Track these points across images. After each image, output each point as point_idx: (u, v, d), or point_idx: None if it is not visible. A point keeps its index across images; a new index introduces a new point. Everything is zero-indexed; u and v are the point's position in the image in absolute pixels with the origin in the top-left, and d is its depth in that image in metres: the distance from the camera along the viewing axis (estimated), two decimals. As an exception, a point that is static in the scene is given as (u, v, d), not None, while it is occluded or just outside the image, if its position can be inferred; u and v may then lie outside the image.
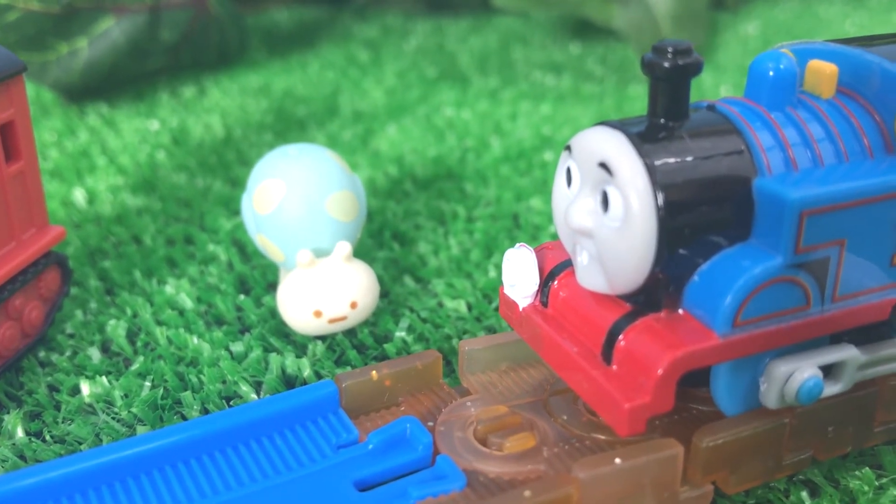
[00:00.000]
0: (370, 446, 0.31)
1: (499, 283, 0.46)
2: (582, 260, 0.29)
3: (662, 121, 0.29)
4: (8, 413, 0.37)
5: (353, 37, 0.90)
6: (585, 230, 0.28)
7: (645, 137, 0.28)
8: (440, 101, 0.72)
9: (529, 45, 0.87)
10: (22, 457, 0.35)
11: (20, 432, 0.36)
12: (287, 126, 0.67)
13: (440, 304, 0.44)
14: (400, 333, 0.42)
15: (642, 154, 0.27)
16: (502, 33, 0.91)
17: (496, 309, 0.44)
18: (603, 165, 0.28)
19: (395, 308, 0.44)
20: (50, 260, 0.41)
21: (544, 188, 0.56)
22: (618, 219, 0.27)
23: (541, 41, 0.88)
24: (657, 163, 0.27)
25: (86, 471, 0.30)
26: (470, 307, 0.44)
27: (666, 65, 0.28)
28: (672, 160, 0.28)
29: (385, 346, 0.41)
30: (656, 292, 0.29)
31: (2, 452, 0.35)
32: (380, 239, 0.50)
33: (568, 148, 0.29)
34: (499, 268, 0.47)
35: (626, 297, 0.29)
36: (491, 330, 0.42)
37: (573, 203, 0.29)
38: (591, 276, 0.29)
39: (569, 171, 0.29)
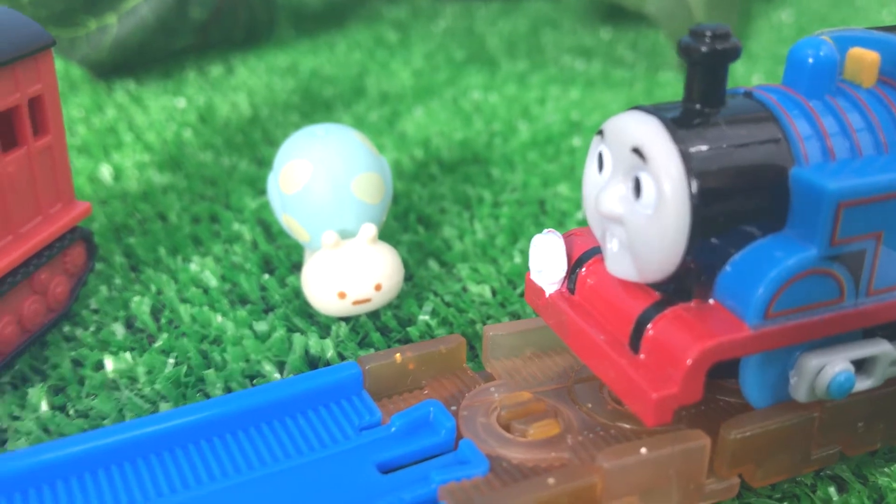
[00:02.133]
0: (393, 429, 0.31)
1: (524, 269, 0.45)
2: (612, 247, 0.29)
3: (698, 107, 0.28)
4: (32, 387, 0.37)
5: (381, 17, 0.89)
6: (616, 216, 0.28)
7: (680, 123, 0.27)
8: (468, 85, 0.71)
9: (559, 29, 0.86)
10: (46, 430, 0.35)
11: (44, 406, 0.36)
12: (313, 107, 0.67)
13: (464, 289, 0.44)
14: (424, 317, 0.41)
15: (677, 140, 0.27)
16: (532, 17, 0.90)
17: (521, 295, 0.43)
18: (636, 151, 0.27)
19: (419, 291, 0.44)
20: (76, 235, 0.41)
21: (572, 174, 0.55)
22: (650, 206, 0.27)
23: (571, 26, 0.87)
24: (692, 149, 0.27)
25: (108, 446, 0.30)
26: (494, 292, 0.44)
27: (703, 49, 0.27)
28: (707, 147, 0.27)
29: (408, 329, 0.41)
30: (687, 281, 0.28)
31: (26, 426, 0.35)
32: (405, 222, 0.50)
33: (600, 132, 0.29)
34: (524, 254, 0.47)
35: (656, 286, 0.29)
36: (515, 316, 0.42)
37: (604, 189, 0.28)
38: (620, 263, 0.29)
39: (600, 156, 0.29)
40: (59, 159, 0.39)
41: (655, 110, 0.28)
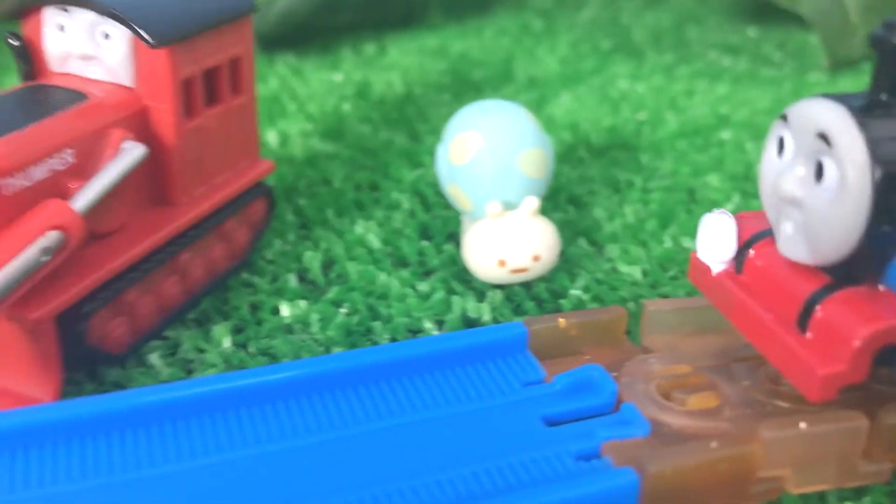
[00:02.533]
0: (557, 387, 0.32)
1: (675, 253, 0.47)
2: (786, 229, 0.30)
3: (884, 97, 0.29)
4: (216, 325, 0.40)
5: (527, 5, 0.91)
6: (795, 199, 0.29)
7: (866, 112, 0.28)
8: (614, 74, 0.72)
9: (705, 25, 0.86)
10: (229, 364, 0.38)
11: (227, 342, 0.39)
12: (463, 88, 0.69)
13: (614, 269, 0.45)
14: (575, 292, 0.43)
15: (863, 127, 0.28)
16: (677, 12, 0.90)
17: (672, 278, 0.45)
18: (822, 136, 0.28)
19: (570, 268, 0.45)
20: (259, 190, 0.44)
21: (721, 166, 0.56)
22: (830, 190, 0.28)
23: (717, 22, 0.87)
24: (877, 137, 0.28)
25: (284, 380, 0.33)
26: (645, 274, 0.45)
27: (894, 41, 0.28)
28: (892, 136, 0.28)
29: (560, 301, 0.42)
30: (859, 266, 0.29)
31: (211, 358, 0.38)
32: (555, 201, 0.52)
33: (783, 117, 0.30)
34: (675, 239, 0.48)
35: (827, 270, 0.30)
36: (666, 297, 0.43)
37: (785, 171, 0.29)
38: (794, 245, 0.30)
39: (781, 140, 0.30)
40: (249, 118, 0.43)
41: (842, 98, 0.29)
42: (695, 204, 0.51)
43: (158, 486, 0.29)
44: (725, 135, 0.60)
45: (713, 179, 0.54)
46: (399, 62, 0.74)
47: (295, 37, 0.75)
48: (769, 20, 0.87)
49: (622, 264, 0.45)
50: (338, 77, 0.70)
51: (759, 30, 0.85)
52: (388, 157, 0.57)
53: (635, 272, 0.45)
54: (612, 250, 0.47)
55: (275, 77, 0.70)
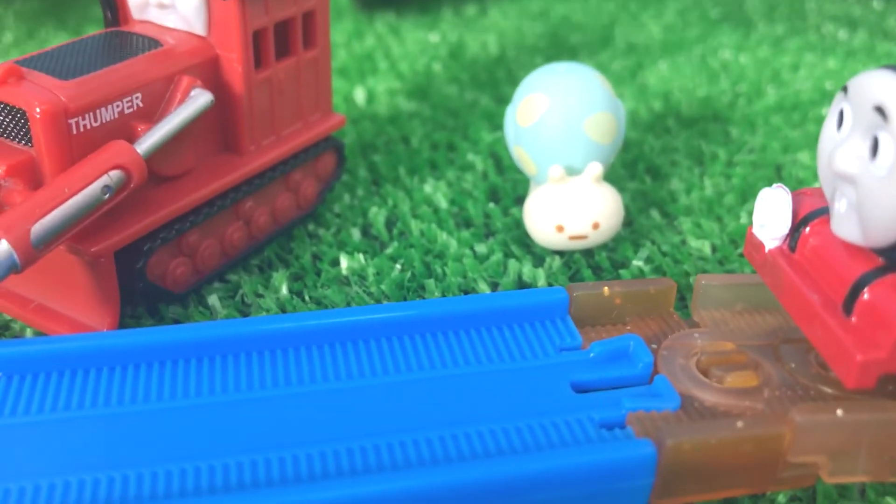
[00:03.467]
0: (591, 354, 0.32)
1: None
2: (839, 207, 0.28)
3: (954, 70, 0.27)
4: (276, 272, 0.41)
5: (639, -29, 0.89)
6: (848, 175, 0.27)
7: (931, 85, 0.26)
8: (719, 43, 0.69)
9: (826, -5, 0.82)
10: (283, 310, 0.39)
11: (284, 289, 0.40)
12: (559, 51, 0.68)
13: (683, 242, 0.44)
14: (637, 262, 0.42)
15: (924, 102, 0.26)
16: (798, -19, 0.86)
17: (741, 255, 0.43)
18: (878, 109, 0.26)
19: (637, 238, 0.44)
20: (329, 144, 0.45)
21: (815, 143, 0.53)
22: (885, 167, 0.26)
23: (840, -7, 0.83)
24: (940, 113, 0.26)
25: (335, 325, 0.33)
26: (714, 249, 0.44)
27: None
28: (958, 113, 0.26)
29: (620, 271, 0.42)
30: (914, 250, 0.27)
31: (267, 303, 0.39)
32: (633, 170, 0.51)
33: (844, 89, 0.28)
34: (751, 215, 0.46)
35: (880, 252, 0.28)
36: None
37: (840, 146, 0.28)
38: (846, 224, 0.28)
39: (841, 113, 0.28)
40: (322, 72, 0.43)
41: (906, 70, 0.27)
42: (780, 180, 0.49)
43: (199, 414, 0.30)
44: (827, 111, 0.57)
45: (804, 156, 0.51)
46: (498, 24, 0.74)
47: (396, -4, 0.75)
48: (899, -8, 0.82)
49: (692, 238, 0.44)
50: (434, 37, 0.70)
51: (886, 1, 0.80)
52: (470, 118, 0.56)
53: (704, 247, 0.43)
54: (684, 223, 0.45)
55: (372, 35, 0.71)
